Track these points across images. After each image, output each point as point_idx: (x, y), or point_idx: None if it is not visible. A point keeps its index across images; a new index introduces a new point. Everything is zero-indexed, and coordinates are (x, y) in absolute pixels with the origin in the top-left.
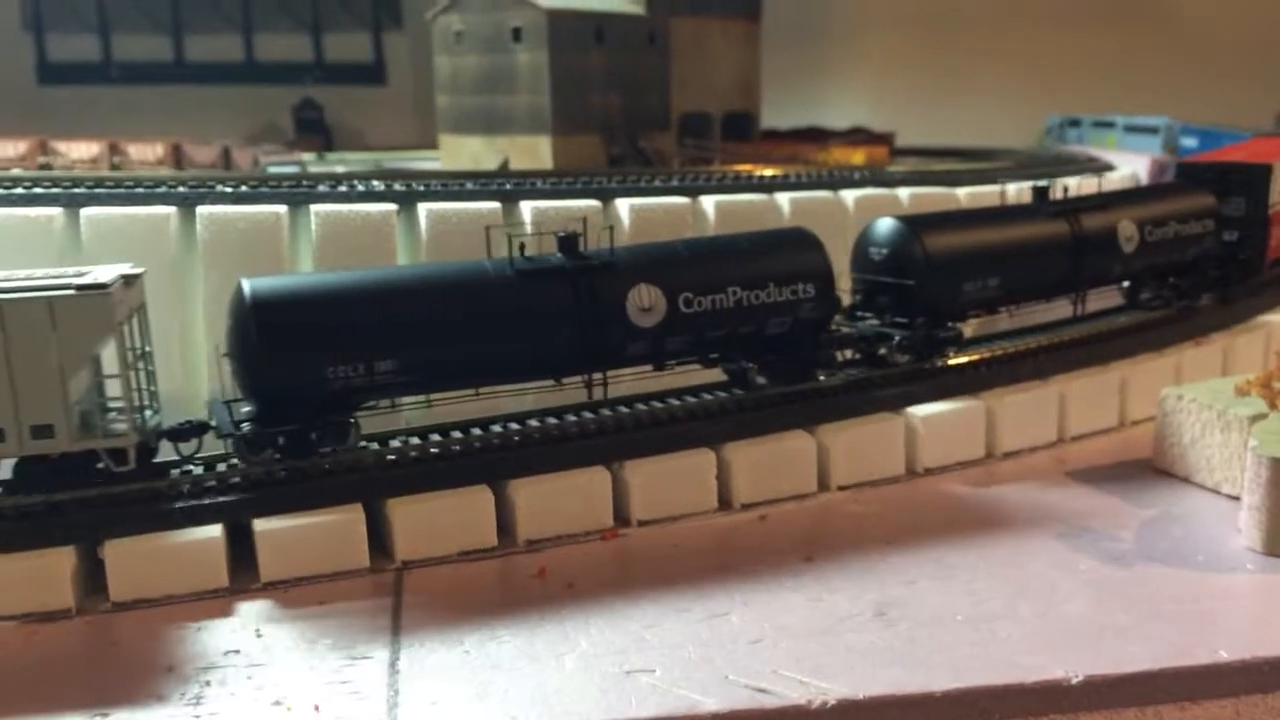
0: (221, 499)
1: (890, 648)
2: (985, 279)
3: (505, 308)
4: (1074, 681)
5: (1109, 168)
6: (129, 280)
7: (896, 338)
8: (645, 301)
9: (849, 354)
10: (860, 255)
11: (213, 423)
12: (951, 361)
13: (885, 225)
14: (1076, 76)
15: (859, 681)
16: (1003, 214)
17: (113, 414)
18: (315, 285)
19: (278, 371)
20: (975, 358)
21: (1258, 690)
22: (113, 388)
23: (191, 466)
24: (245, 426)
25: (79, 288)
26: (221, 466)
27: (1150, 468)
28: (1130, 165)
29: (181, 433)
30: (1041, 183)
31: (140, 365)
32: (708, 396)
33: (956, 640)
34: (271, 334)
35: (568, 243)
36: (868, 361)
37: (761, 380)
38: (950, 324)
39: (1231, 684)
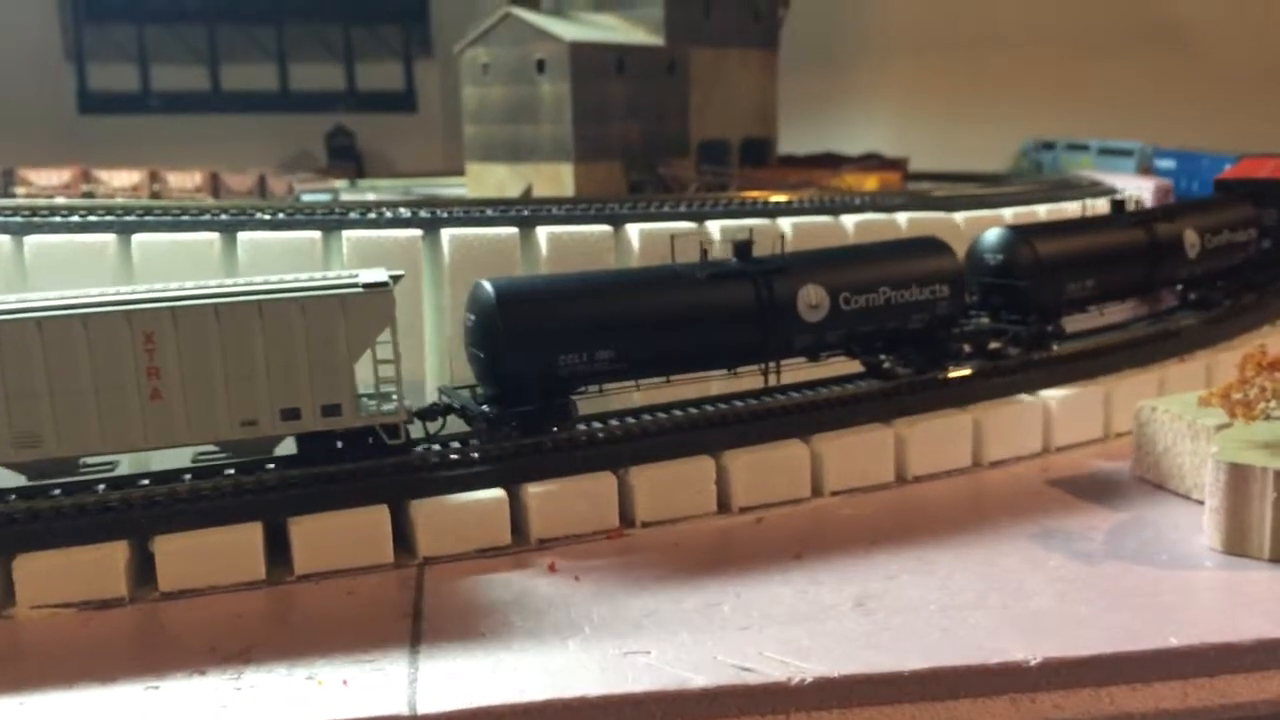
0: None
1: (867, 633)
2: (1084, 280)
3: (699, 305)
4: (1032, 663)
5: (1113, 191)
6: (395, 281)
7: (1012, 332)
8: (813, 300)
9: (966, 348)
10: (975, 260)
11: (456, 405)
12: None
13: (1000, 233)
14: (1098, 103)
15: (836, 662)
16: (1093, 223)
17: (364, 398)
18: (545, 285)
19: (519, 360)
20: (969, 371)
21: (1204, 674)
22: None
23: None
24: (486, 409)
25: (366, 286)
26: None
27: (1128, 476)
28: (1136, 189)
29: (431, 413)
30: (1118, 196)
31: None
32: (709, 408)
33: (928, 627)
34: (515, 327)
35: (743, 249)
36: (980, 355)
37: (903, 370)
38: (1055, 320)
39: (1180, 668)
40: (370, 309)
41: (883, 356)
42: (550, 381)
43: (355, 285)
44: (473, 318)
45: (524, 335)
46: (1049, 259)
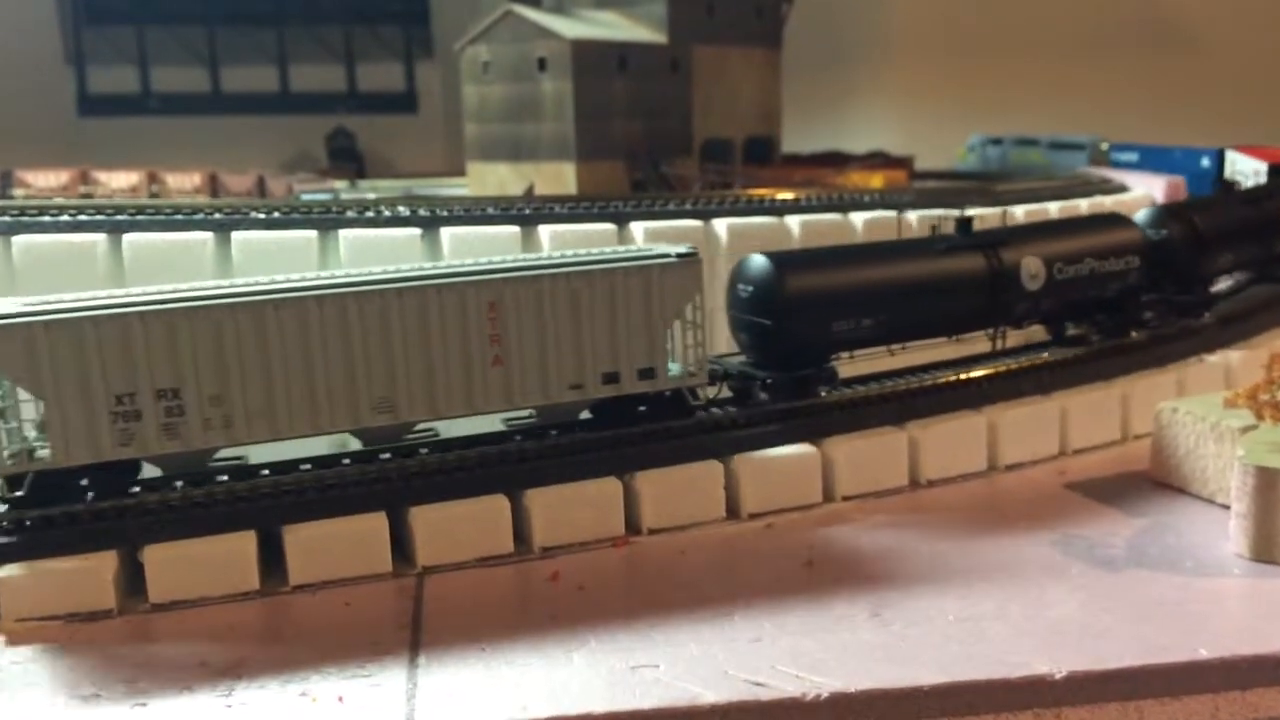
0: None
1: (883, 645)
2: (1227, 254)
3: (943, 274)
4: (1057, 677)
5: (1123, 188)
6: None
7: (1181, 302)
8: (1033, 269)
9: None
10: None
11: (732, 371)
12: (958, 377)
13: (1153, 212)
14: (1105, 102)
15: (851, 676)
16: (1221, 202)
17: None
18: (816, 258)
19: (803, 326)
20: (980, 373)
21: (1236, 687)
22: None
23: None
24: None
25: (679, 255)
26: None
27: (1148, 479)
28: (1145, 186)
29: (710, 378)
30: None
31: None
32: (716, 411)
33: (946, 639)
34: (801, 296)
35: (965, 224)
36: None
37: (1095, 337)
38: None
39: (1211, 681)
40: (684, 277)
41: (1068, 324)
42: (822, 347)
43: (669, 256)
44: (750, 289)
45: (808, 303)
46: (1208, 235)
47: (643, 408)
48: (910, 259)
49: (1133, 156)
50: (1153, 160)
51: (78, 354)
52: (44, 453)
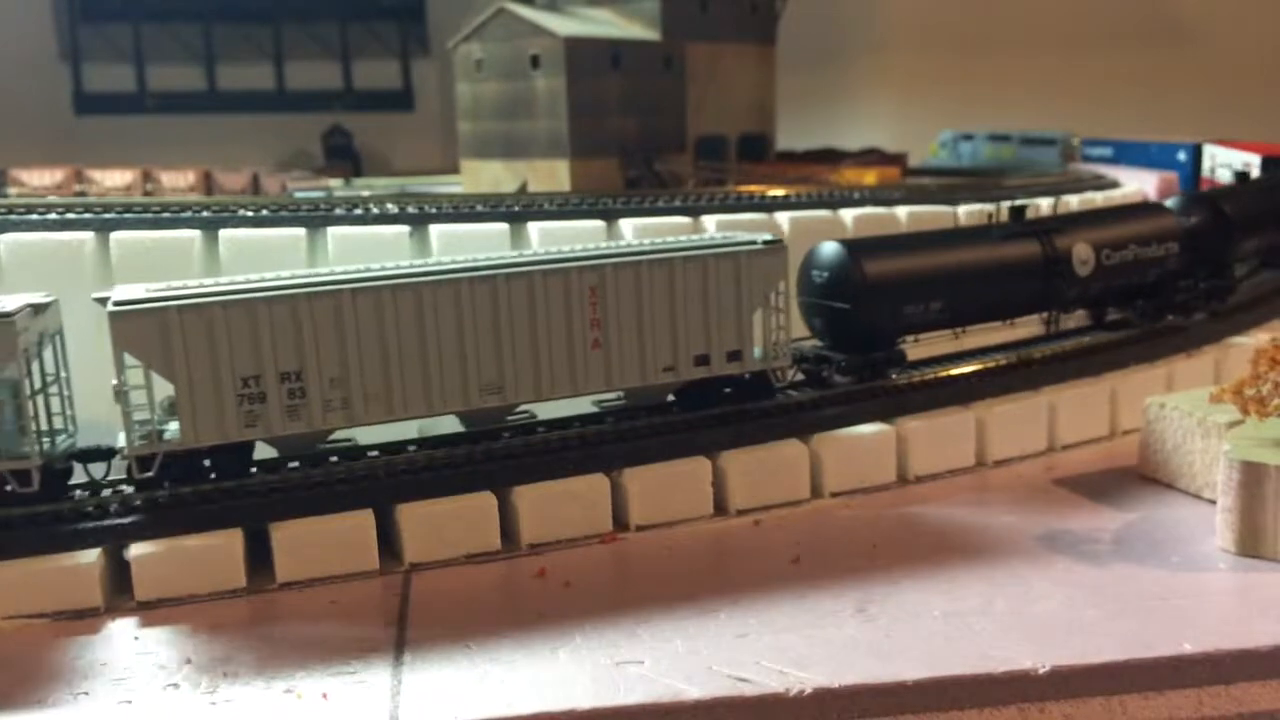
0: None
1: (868, 640)
2: (1252, 238)
3: (1001, 260)
4: (1041, 672)
5: (1116, 184)
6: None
7: (1210, 285)
8: (1084, 256)
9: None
10: None
11: (809, 355)
12: (951, 373)
13: (1181, 200)
14: (1104, 98)
15: (835, 671)
16: (1239, 190)
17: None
18: (886, 244)
19: (878, 309)
20: (968, 369)
21: (1220, 681)
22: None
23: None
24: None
25: (765, 243)
26: None
27: (1136, 475)
28: (1138, 183)
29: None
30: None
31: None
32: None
33: (931, 634)
34: (877, 280)
35: (1018, 212)
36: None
37: (1137, 320)
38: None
39: (1195, 675)
40: (771, 264)
41: (1107, 309)
42: (894, 330)
43: (755, 243)
44: (825, 274)
45: (884, 287)
46: (1235, 220)
47: (728, 389)
48: (971, 245)
49: (1106, 151)
50: (1127, 154)
51: (208, 338)
52: (172, 434)
